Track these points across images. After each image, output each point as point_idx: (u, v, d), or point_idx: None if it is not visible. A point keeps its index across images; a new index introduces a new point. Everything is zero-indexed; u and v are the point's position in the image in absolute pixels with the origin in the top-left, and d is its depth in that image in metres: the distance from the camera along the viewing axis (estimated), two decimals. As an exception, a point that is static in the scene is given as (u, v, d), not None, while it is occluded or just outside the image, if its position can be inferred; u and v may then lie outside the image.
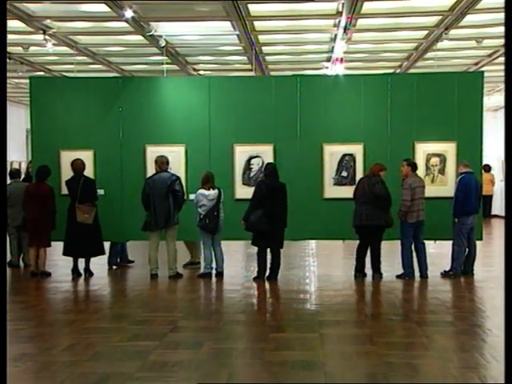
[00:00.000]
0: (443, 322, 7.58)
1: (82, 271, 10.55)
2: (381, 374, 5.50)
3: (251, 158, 11.05)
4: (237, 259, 12.31)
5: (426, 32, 12.14)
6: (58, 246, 10.74)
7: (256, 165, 10.99)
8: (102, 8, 10.44)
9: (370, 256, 10.22)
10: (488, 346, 6.46)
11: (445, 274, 10.35)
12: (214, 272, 10.37)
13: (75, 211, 10.27)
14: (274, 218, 9.89)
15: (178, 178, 10.33)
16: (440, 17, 11.06)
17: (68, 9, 10.78)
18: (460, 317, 7.79)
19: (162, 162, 10.35)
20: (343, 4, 10.27)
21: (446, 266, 10.45)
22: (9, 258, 11.66)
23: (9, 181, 11.91)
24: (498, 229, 18.21)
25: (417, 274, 10.24)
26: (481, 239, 10.95)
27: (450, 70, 14.77)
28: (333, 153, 10.94)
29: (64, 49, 13.18)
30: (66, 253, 10.56)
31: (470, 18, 11.02)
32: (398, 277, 10.14)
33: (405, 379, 5.37)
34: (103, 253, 10.74)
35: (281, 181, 10.16)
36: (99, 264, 11.06)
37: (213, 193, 10.25)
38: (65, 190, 10.68)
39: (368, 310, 8.44)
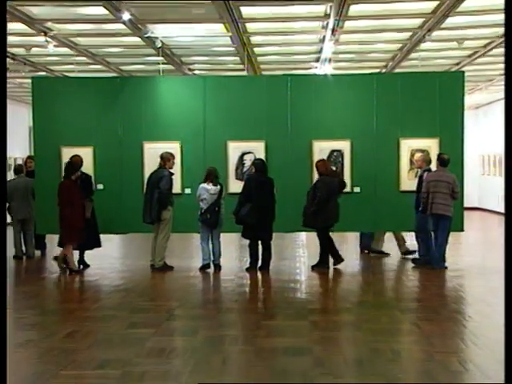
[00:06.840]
0: (426, 308, 7.81)
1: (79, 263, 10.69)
2: (366, 359, 5.71)
3: (244, 153, 11.34)
4: (230, 251, 12.43)
5: (409, 33, 12.20)
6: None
7: (248, 160, 11.26)
8: (101, 11, 10.59)
9: None
10: (468, 331, 6.72)
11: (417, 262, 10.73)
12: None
13: None
14: (263, 211, 10.17)
15: (166, 175, 10.29)
16: (423, 19, 11.10)
17: (68, 11, 10.94)
18: (442, 304, 8.05)
19: (161, 158, 10.51)
20: (331, 6, 10.53)
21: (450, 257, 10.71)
22: (14, 251, 11.90)
23: (13, 176, 12.33)
24: (475, 222, 18.48)
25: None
26: (462, 230, 11.35)
27: (433, 69, 14.85)
28: (322, 149, 11.26)
29: (65, 50, 13.19)
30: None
31: (451, 20, 11.09)
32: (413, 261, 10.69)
33: (388, 363, 5.57)
34: (99, 245, 10.83)
35: (271, 175, 10.48)
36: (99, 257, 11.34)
37: (214, 188, 10.41)
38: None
39: (355, 298, 8.67)
